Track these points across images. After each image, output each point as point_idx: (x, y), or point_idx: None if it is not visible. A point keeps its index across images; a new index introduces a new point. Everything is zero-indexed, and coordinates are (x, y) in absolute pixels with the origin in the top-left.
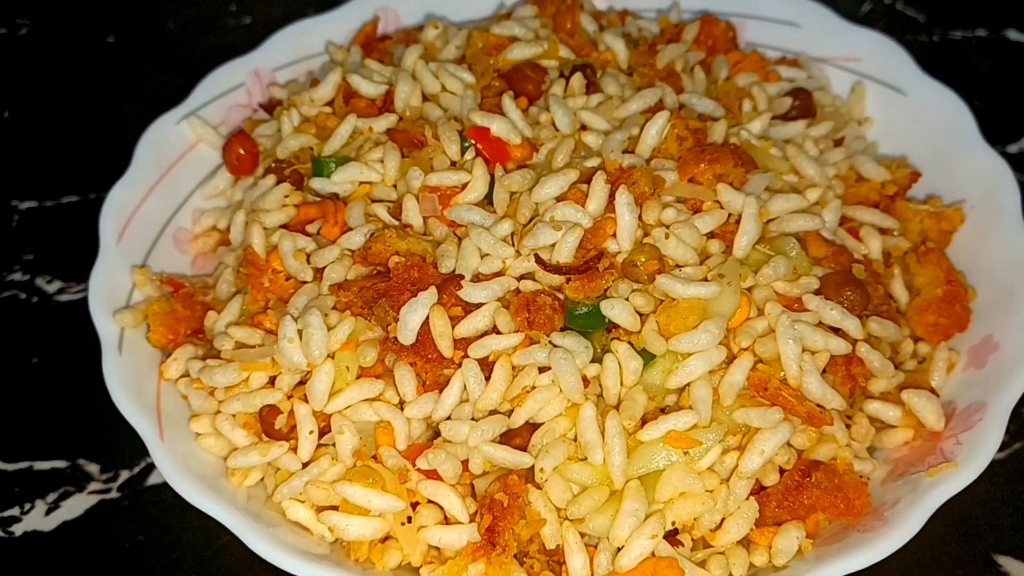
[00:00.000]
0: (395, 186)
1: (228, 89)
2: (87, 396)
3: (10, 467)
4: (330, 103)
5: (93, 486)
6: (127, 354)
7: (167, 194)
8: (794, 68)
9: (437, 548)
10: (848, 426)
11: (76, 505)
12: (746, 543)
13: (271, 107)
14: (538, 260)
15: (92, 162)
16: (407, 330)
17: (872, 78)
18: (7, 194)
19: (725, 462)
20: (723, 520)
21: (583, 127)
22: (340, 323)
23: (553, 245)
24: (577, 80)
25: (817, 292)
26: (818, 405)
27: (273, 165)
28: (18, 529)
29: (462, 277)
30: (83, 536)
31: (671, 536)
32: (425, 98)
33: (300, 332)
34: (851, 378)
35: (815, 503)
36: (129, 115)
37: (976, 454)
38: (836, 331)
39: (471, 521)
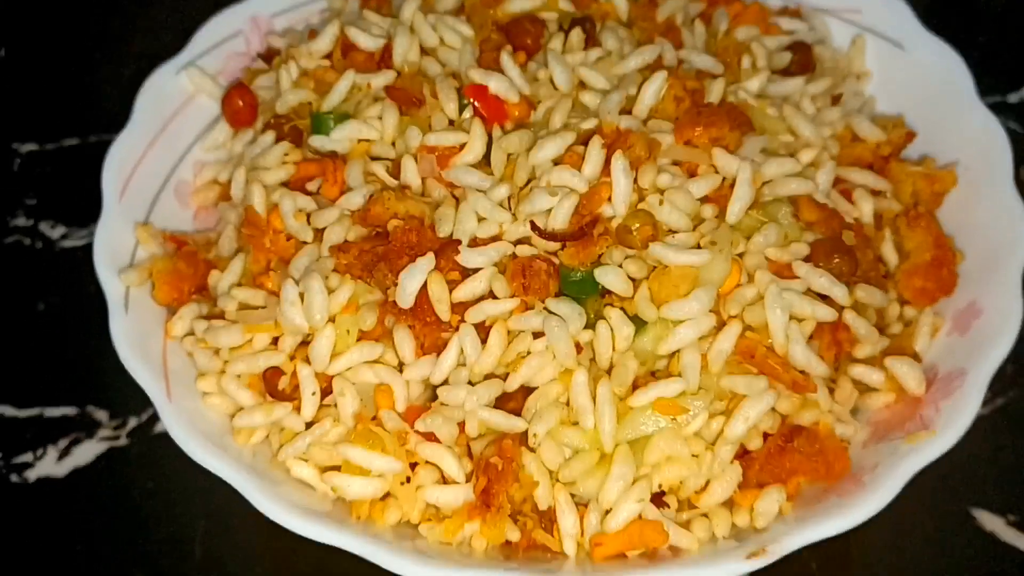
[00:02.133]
0: (394, 143)
1: (226, 37)
2: (93, 343)
3: (21, 413)
4: (328, 56)
5: (102, 432)
6: (133, 312)
7: (168, 147)
8: (795, 20)
9: (435, 507)
10: (831, 390)
11: (86, 451)
12: (729, 504)
13: (269, 57)
14: (534, 227)
15: (92, 105)
16: (405, 295)
17: (872, 31)
18: (7, 137)
19: (711, 427)
20: (708, 483)
21: (581, 84)
22: (340, 287)
23: (549, 211)
24: (576, 35)
25: (807, 258)
26: (802, 372)
27: (272, 120)
28: (32, 475)
29: (459, 242)
30: (94, 482)
31: (657, 497)
32: (424, 52)
33: (302, 295)
34: (837, 343)
35: (796, 467)
36: (128, 56)
37: (953, 422)
38: (824, 297)
39: (467, 481)
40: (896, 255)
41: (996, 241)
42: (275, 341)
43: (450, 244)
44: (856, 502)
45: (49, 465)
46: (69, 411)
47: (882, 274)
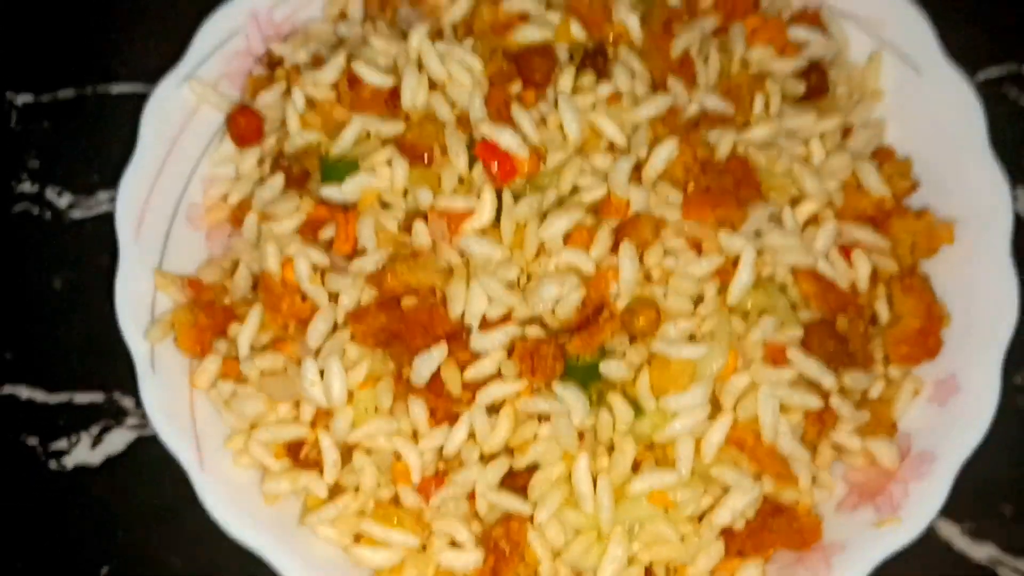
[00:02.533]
0: (404, 193)
1: (225, 38)
2: (111, 325)
3: (52, 399)
4: (335, 84)
5: (130, 421)
6: (159, 369)
7: (176, 170)
8: (813, 30)
9: (448, 571)
10: (812, 455)
11: (117, 440)
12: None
13: (272, 64)
14: (542, 324)
15: (86, 53)
16: (420, 377)
17: (892, 46)
18: (1, 85)
19: (700, 504)
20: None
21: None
22: (357, 364)
23: (558, 301)
24: (588, 78)
25: (802, 340)
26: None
27: (281, 161)
28: (69, 462)
29: (470, 329)
30: (128, 470)
31: (647, 570)
32: (432, 84)
33: (321, 371)
34: (821, 422)
35: (775, 541)
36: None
37: (920, 512)
38: None
39: (476, 546)
40: (888, 311)
41: (983, 312)
42: (296, 403)
43: (462, 330)
44: None
45: (84, 452)
46: (96, 397)
47: (870, 328)
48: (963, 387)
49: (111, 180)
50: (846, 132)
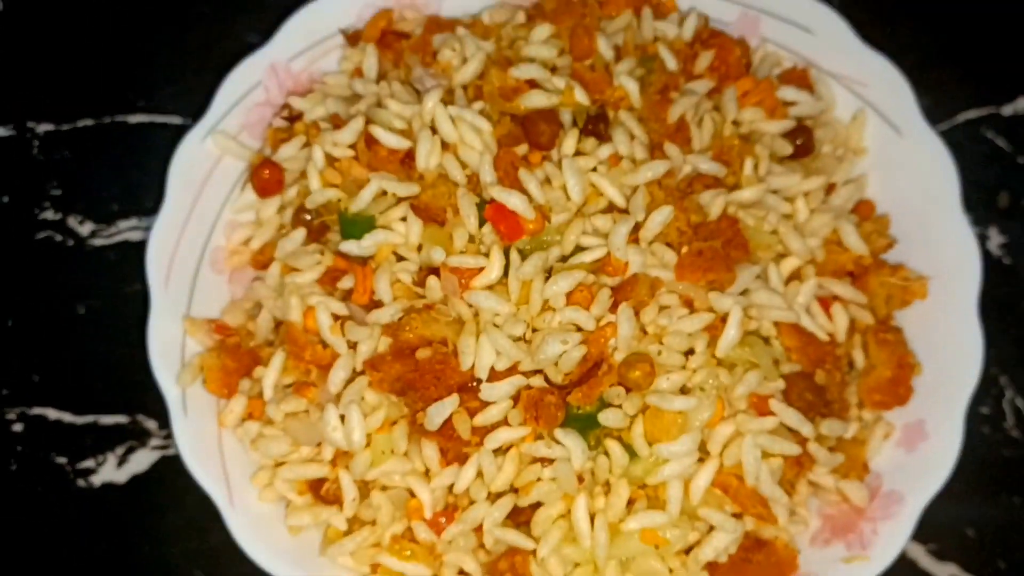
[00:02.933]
0: (419, 248)
1: (246, 91)
2: (135, 350)
3: (79, 420)
4: (352, 145)
5: (154, 442)
6: (190, 410)
7: (201, 219)
8: (802, 91)
9: None
10: (789, 495)
11: (142, 459)
12: None
13: (292, 117)
14: (545, 379)
15: (103, 83)
16: (433, 424)
17: (875, 108)
18: (23, 114)
19: (687, 540)
20: None
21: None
22: (375, 410)
23: (561, 355)
24: (590, 143)
25: (784, 391)
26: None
27: (302, 217)
28: (96, 480)
29: (480, 381)
30: (153, 488)
31: None
32: (444, 145)
33: (342, 416)
34: (799, 464)
35: (755, 573)
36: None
37: (886, 550)
38: None
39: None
40: (864, 358)
41: (951, 365)
42: (318, 444)
43: (472, 380)
44: None
45: (110, 471)
46: (121, 419)
47: (847, 375)
48: (930, 433)
49: (131, 208)
50: (830, 189)
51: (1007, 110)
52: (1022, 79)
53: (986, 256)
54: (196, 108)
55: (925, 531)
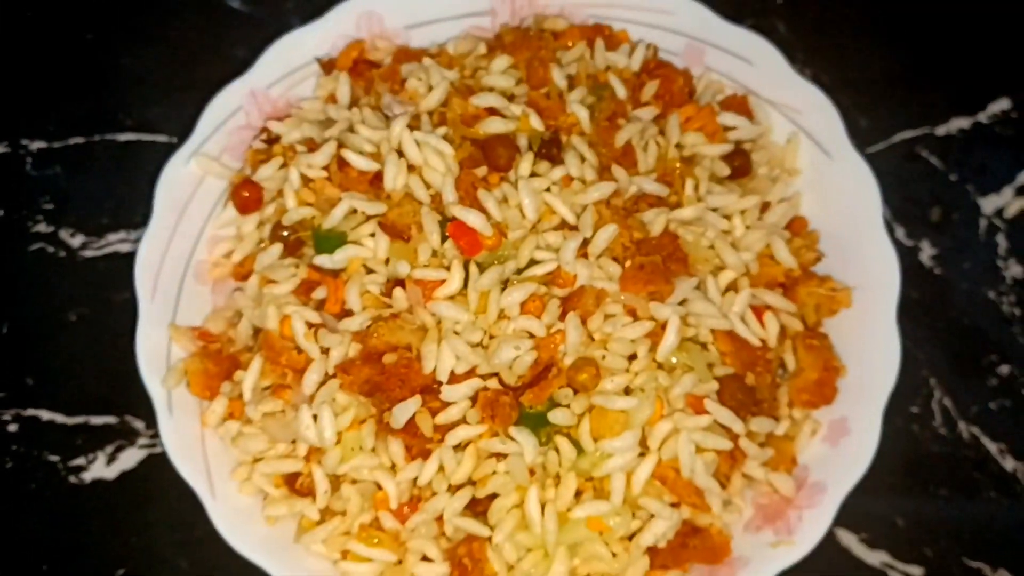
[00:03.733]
0: (386, 261)
1: (228, 115)
2: (123, 356)
3: (70, 421)
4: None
5: (141, 440)
6: (175, 410)
7: (185, 234)
8: (740, 117)
9: None
10: (724, 486)
11: (130, 457)
12: None
13: (270, 140)
14: (500, 382)
15: (93, 104)
16: (398, 422)
17: (807, 132)
18: (16, 132)
19: (629, 527)
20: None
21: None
22: (345, 410)
23: (515, 359)
24: (544, 166)
25: (718, 392)
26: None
27: (279, 233)
28: (87, 476)
29: (441, 383)
30: (140, 483)
31: None
32: (410, 167)
33: (315, 416)
34: (733, 458)
35: (692, 556)
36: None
37: (809, 536)
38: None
39: (444, 560)
40: (794, 362)
41: (872, 368)
42: (293, 441)
43: (434, 382)
44: None
45: (100, 468)
46: (111, 420)
47: (779, 377)
48: (852, 429)
49: (119, 222)
50: (765, 207)
51: (940, 131)
52: (953, 103)
53: (918, 267)
54: (181, 127)
55: (858, 521)
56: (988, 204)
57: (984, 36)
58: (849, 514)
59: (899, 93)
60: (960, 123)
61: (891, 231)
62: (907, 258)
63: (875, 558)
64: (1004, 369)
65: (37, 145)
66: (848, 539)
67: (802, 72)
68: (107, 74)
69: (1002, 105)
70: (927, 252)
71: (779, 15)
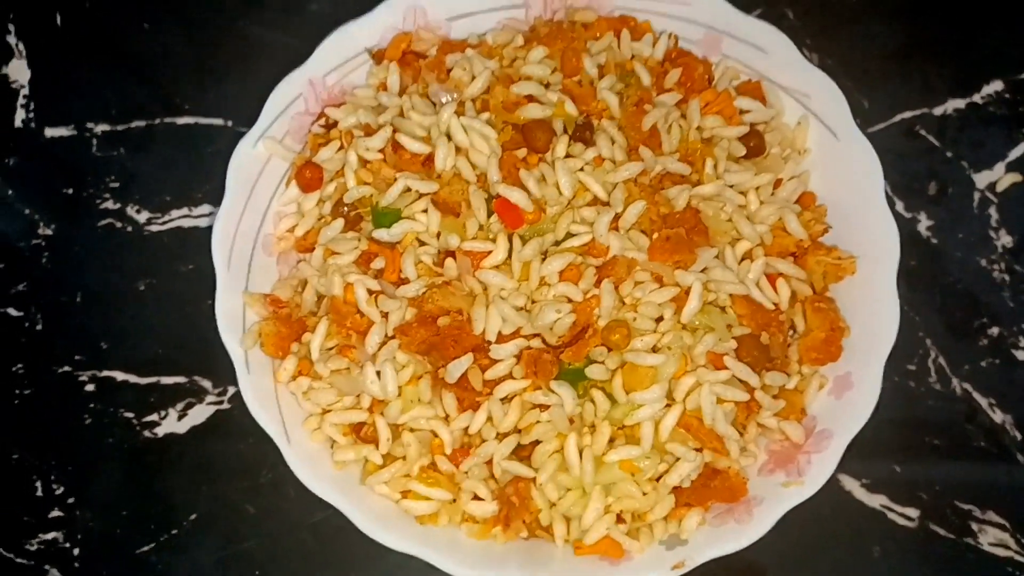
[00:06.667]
0: (438, 235)
1: (289, 102)
2: (191, 321)
3: (143, 381)
4: (381, 149)
5: (209, 399)
6: (252, 368)
7: (254, 210)
8: (755, 101)
9: (472, 516)
10: (742, 432)
11: (199, 413)
12: (665, 519)
13: (328, 125)
14: (543, 341)
15: (153, 90)
16: (452, 377)
17: (815, 114)
18: (82, 116)
19: (657, 470)
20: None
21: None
22: (405, 367)
23: (555, 321)
24: (578, 147)
25: (736, 350)
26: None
27: (341, 209)
28: (160, 431)
29: (490, 342)
30: (209, 437)
31: (617, 515)
32: (458, 149)
33: (378, 373)
34: (749, 408)
35: (712, 495)
36: (181, 45)
37: (817, 477)
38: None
39: (493, 499)
40: (803, 324)
41: (874, 329)
42: (358, 395)
43: (483, 342)
44: (747, 529)
45: (172, 424)
46: (181, 380)
47: (789, 336)
48: (855, 383)
49: (181, 199)
50: (777, 183)
51: (938, 111)
52: (950, 85)
53: (916, 237)
54: (236, 111)
55: (859, 468)
56: (981, 179)
57: (979, 22)
58: (851, 462)
59: (899, 76)
60: (956, 104)
61: (891, 204)
62: (906, 229)
63: (875, 501)
64: (994, 331)
65: (101, 128)
66: (850, 484)
67: (810, 58)
68: (167, 63)
69: (995, 87)
70: (924, 223)
71: (788, 3)
